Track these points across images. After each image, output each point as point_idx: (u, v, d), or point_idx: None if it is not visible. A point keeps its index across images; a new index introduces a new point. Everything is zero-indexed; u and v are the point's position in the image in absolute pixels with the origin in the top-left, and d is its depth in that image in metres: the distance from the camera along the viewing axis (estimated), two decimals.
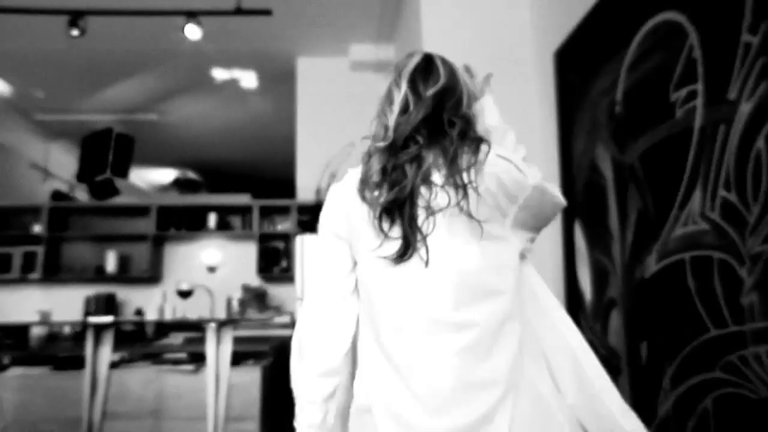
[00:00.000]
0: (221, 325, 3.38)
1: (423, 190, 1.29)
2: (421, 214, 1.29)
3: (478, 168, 1.29)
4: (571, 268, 3.24)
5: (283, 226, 6.26)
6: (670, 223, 2.14)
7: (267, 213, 6.29)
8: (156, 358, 3.63)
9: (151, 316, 3.46)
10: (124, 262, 6.21)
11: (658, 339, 2.24)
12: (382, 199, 1.30)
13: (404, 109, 1.36)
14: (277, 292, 6.25)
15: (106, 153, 6.33)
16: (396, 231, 1.30)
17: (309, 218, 5.68)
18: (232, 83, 7.18)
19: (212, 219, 6.20)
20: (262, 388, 3.58)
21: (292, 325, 5.46)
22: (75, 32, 4.48)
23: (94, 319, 3.47)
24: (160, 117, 8.19)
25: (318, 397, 1.42)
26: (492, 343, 1.29)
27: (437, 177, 1.30)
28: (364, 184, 1.35)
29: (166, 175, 11.26)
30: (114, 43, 5.85)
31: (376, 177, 1.33)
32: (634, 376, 2.46)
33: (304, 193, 6.03)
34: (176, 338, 3.92)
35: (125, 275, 6.09)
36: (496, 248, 1.33)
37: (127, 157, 6.53)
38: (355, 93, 6.32)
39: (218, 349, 3.34)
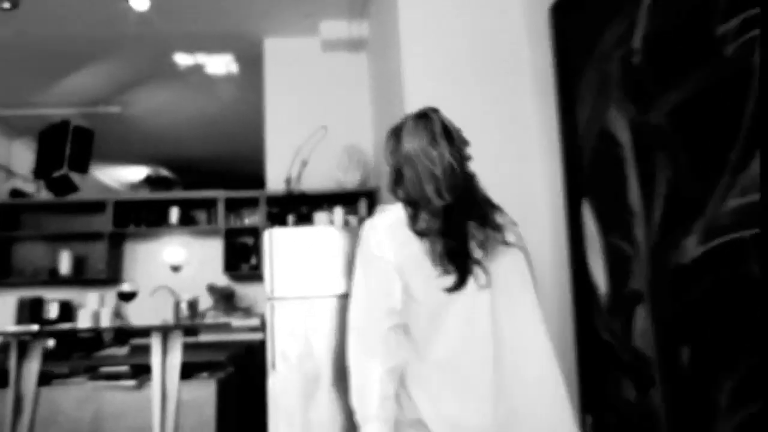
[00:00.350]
0: (167, 331, 2.87)
1: (474, 232, 1.69)
2: (475, 251, 1.66)
3: (502, 215, 1.82)
4: (579, 257, 2.77)
5: (251, 219, 5.72)
6: (718, 193, 1.67)
7: (234, 206, 5.74)
8: (93, 372, 3.10)
9: (83, 323, 2.92)
10: (79, 262, 5.65)
11: (707, 342, 1.76)
12: (440, 246, 1.64)
13: (451, 171, 1.74)
14: (246, 291, 5.73)
15: (63, 147, 5.92)
16: (452, 267, 1.63)
17: (279, 210, 5.17)
18: (197, 69, 6.68)
19: (174, 214, 5.64)
20: (217, 405, 3.05)
21: (262, 327, 4.96)
22: (6, 5, 3.94)
23: (13, 329, 2.94)
24: (123, 109, 7.70)
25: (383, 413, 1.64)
26: (524, 345, 1.67)
27: (476, 223, 1.71)
28: (421, 234, 1.68)
29: (137, 172, 10.74)
30: (65, 28, 5.35)
31: (431, 227, 1.68)
32: (673, 388, 1.99)
33: (274, 183, 5.54)
34: (121, 348, 3.39)
35: (81, 277, 5.54)
36: (526, 273, 1.76)
37: (86, 151, 6.13)
38: (327, 74, 5.89)
39: (165, 360, 2.84)
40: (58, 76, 6.69)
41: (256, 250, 5.60)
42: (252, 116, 6.95)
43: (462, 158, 1.81)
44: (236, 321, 5.02)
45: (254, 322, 5.06)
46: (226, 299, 5.31)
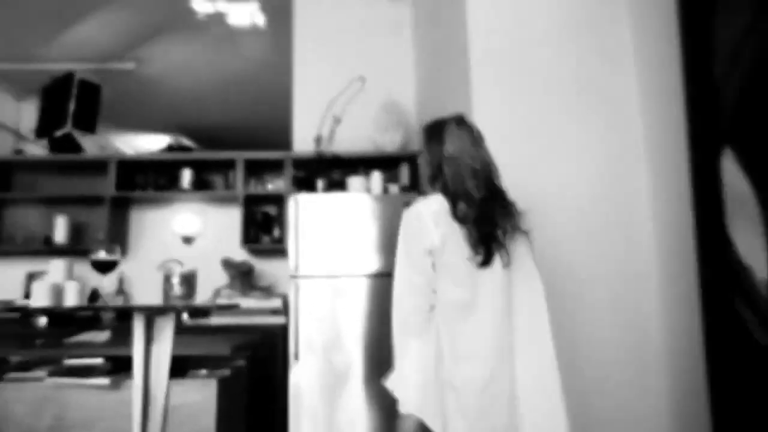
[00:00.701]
0: (152, 314, 2.17)
1: (500, 221, 2.01)
2: (501, 236, 2.00)
3: (519, 211, 2.10)
4: (714, 228, 2.01)
5: (274, 185, 4.98)
6: None
7: (255, 169, 4.98)
8: (55, 365, 2.39)
9: (39, 299, 2.20)
10: (77, 230, 4.99)
11: None
12: (475, 231, 1.96)
13: (488, 169, 2.07)
14: (267, 268, 4.99)
15: (66, 103, 5.31)
16: (483, 248, 1.96)
17: (307, 174, 4.44)
18: (218, 19, 5.99)
19: (186, 176, 4.90)
20: (219, 411, 2.33)
21: (284, 310, 4.30)
22: None
23: None
24: (138, 66, 7.04)
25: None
26: (530, 314, 2.02)
27: (502, 213, 2.05)
28: (462, 220, 1.97)
29: (156, 141, 10.14)
30: None
31: (467, 215, 1.97)
32: None
33: (302, 144, 4.83)
34: (101, 333, 2.69)
35: (79, 246, 4.85)
36: (532, 256, 2.09)
37: (93, 108, 5.55)
38: (364, 22, 5.19)
39: (149, 352, 2.14)
40: (65, 27, 6.11)
41: (279, 220, 4.88)
42: (280, 78, 6.27)
43: (491, 159, 2.11)
44: (254, 302, 4.33)
45: (275, 303, 4.37)
46: (243, 276, 4.61)
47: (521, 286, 2.01)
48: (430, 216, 1.99)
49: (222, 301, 4.39)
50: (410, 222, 2.04)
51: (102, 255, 2.33)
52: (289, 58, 5.31)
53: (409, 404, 1.89)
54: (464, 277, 1.97)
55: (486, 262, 1.95)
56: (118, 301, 4.72)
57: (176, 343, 2.24)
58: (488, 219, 1.98)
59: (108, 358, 2.32)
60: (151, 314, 2.15)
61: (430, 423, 1.88)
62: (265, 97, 7.56)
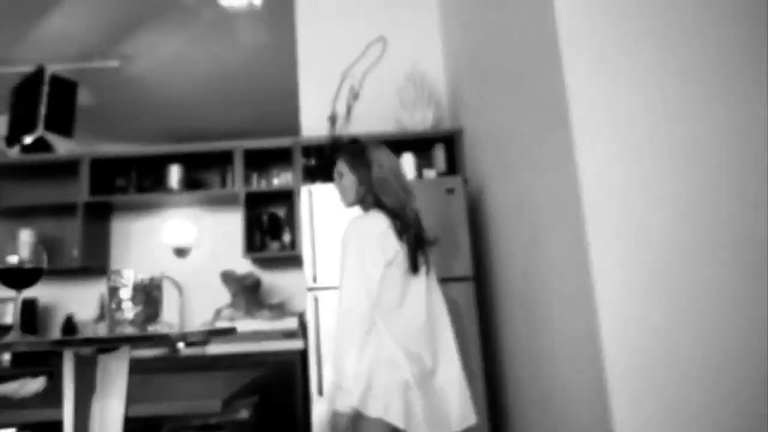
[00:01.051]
0: (92, 351, 1.33)
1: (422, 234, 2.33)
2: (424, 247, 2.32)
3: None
4: None
5: (282, 179, 4.12)
6: None
7: (258, 162, 4.13)
8: None
9: None
10: (47, 246, 4.14)
11: None
12: (409, 246, 2.21)
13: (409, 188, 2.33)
14: (277, 281, 4.12)
15: (37, 103, 4.56)
16: (413, 259, 2.23)
17: (320, 162, 3.59)
18: (210, 1, 5.19)
19: (174, 174, 4.04)
20: None
21: (302, 332, 3.49)
22: None
23: None
24: (123, 63, 6.27)
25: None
26: (440, 310, 2.34)
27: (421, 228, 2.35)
28: (401, 234, 2.20)
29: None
30: None
31: (404, 229, 2.21)
32: None
33: (312, 128, 3.99)
34: (33, 381, 1.81)
35: (52, 266, 4.02)
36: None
37: (68, 107, 4.82)
38: None
39: (88, 413, 1.31)
40: (36, 19, 5.34)
41: (290, 222, 4.01)
42: (282, 67, 5.50)
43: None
44: (262, 323, 3.48)
45: (290, 324, 3.52)
46: (247, 292, 3.73)
47: (435, 290, 2.33)
48: (384, 232, 2.16)
49: (222, 324, 3.54)
50: (370, 235, 2.15)
51: (12, 260, 1.46)
52: (292, 35, 4.51)
53: (353, 399, 2.00)
54: (399, 284, 2.18)
55: (416, 270, 2.21)
56: (101, 330, 3.88)
57: (141, 394, 1.41)
58: (416, 233, 2.25)
59: (28, 426, 1.47)
60: (91, 351, 1.31)
61: (394, 419, 1.99)
62: (267, 87, 6.79)
